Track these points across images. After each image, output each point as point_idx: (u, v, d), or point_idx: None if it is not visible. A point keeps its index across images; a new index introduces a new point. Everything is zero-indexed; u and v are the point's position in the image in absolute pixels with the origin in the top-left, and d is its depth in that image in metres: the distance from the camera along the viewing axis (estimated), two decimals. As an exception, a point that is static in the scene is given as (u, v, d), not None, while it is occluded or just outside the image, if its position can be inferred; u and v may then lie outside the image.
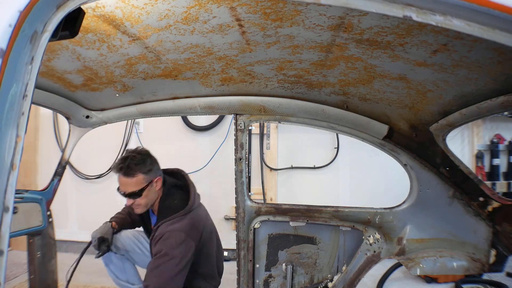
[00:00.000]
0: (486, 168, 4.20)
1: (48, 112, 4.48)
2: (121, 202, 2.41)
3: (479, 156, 4.16)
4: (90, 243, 2.34)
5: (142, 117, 2.21)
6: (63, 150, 2.38)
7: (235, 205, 2.00)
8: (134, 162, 2.07)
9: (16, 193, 0.64)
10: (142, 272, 2.25)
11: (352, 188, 4.26)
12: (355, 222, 1.96)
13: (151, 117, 2.16)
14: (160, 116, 2.12)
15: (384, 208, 1.92)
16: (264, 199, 4.25)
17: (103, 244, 2.31)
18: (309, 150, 4.31)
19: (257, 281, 2.07)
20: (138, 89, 1.86)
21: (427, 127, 1.61)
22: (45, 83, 1.77)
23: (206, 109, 2.00)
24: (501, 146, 4.15)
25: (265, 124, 4.23)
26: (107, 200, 4.08)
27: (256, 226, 2.02)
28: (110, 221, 2.44)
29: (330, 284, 2.05)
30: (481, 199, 1.68)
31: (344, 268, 2.03)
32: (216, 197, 4.28)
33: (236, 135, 1.96)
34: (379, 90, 1.54)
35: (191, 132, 4.42)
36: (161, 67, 1.53)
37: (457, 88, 1.28)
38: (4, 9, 0.62)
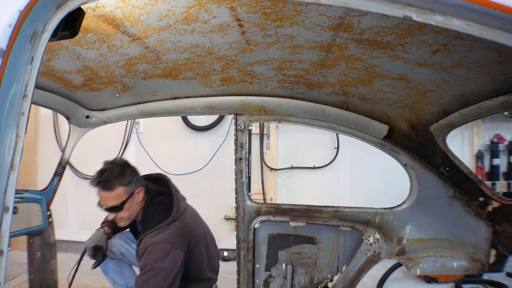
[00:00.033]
0: (486, 168, 4.20)
1: (48, 112, 4.48)
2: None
3: (479, 156, 4.16)
4: (84, 251, 2.26)
5: (142, 117, 2.21)
6: (63, 150, 2.37)
7: (235, 205, 2.00)
8: (112, 174, 1.96)
9: (16, 193, 0.64)
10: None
11: (352, 188, 4.27)
12: (355, 222, 1.96)
13: (151, 117, 2.15)
14: (160, 116, 2.12)
15: (384, 208, 1.92)
16: (264, 199, 4.25)
17: (98, 252, 2.23)
18: (309, 150, 4.31)
19: (257, 281, 2.07)
20: (138, 89, 1.86)
21: (427, 127, 1.61)
22: (45, 83, 1.77)
23: (206, 109, 2.00)
24: (501, 146, 4.16)
25: (265, 124, 4.23)
26: (107, 200, 4.07)
27: (256, 226, 2.02)
28: (102, 227, 2.34)
29: (330, 284, 2.05)
30: (481, 199, 1.68)
31: (344, 268, 2.03)
32: (216, 197, 4.29)
33: (236, 135, 1.96)
34: (379, 90, 1.54)
35: (191, 132, 4.42)
36: (161, 67, 1.53)
37: (457, 88, 1.28)
38: (4, 9, 0.62)
